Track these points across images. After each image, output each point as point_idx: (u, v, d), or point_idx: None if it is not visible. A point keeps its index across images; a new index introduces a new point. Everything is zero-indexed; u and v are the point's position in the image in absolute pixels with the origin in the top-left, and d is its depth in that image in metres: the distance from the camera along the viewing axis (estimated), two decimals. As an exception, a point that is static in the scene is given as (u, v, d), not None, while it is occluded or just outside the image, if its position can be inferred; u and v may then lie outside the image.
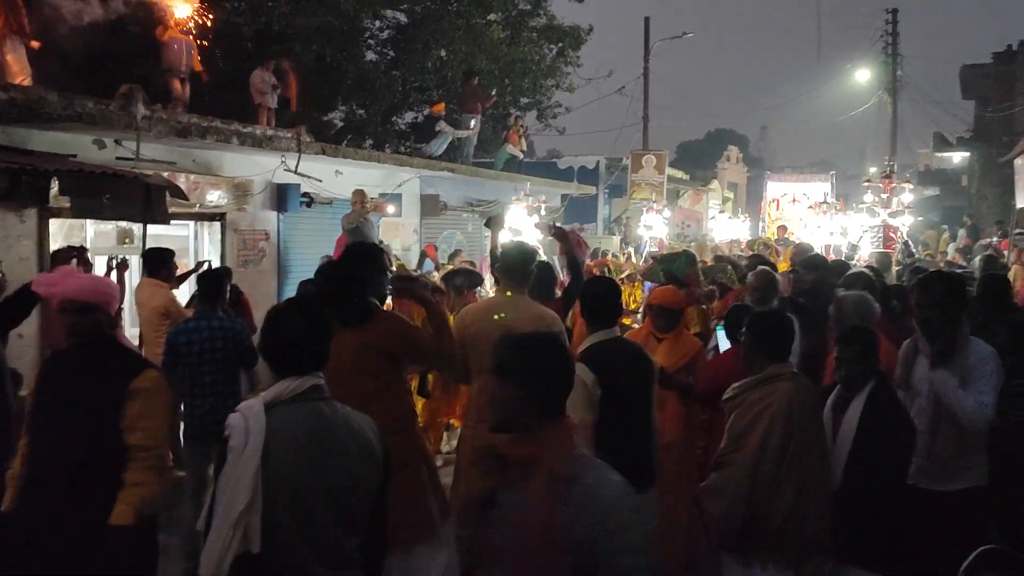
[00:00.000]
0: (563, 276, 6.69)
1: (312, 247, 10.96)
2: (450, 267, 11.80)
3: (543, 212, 12.62)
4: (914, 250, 12.03)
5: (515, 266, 4.42)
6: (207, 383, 5.14)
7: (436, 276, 11.05)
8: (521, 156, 16.14)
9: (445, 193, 13.82)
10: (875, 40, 24.68)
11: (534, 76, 21.15)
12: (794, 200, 20.63)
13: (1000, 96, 25.83)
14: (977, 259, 11.44)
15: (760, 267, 5.87)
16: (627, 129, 21.15)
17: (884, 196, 11.52)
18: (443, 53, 19.56)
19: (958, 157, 26.34)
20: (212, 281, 5.58)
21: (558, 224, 7.47)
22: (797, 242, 13.41)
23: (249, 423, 2.43)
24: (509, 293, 4.40)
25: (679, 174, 24.76)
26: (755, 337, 3.88)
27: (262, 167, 10.03)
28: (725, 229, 20.56)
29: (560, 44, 21.02)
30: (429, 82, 19.02)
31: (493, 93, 16.95)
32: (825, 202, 15.94)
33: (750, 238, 17.58)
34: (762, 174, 41.51)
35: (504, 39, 19.69)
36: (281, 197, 10.40)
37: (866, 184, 12.77)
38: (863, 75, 25.79)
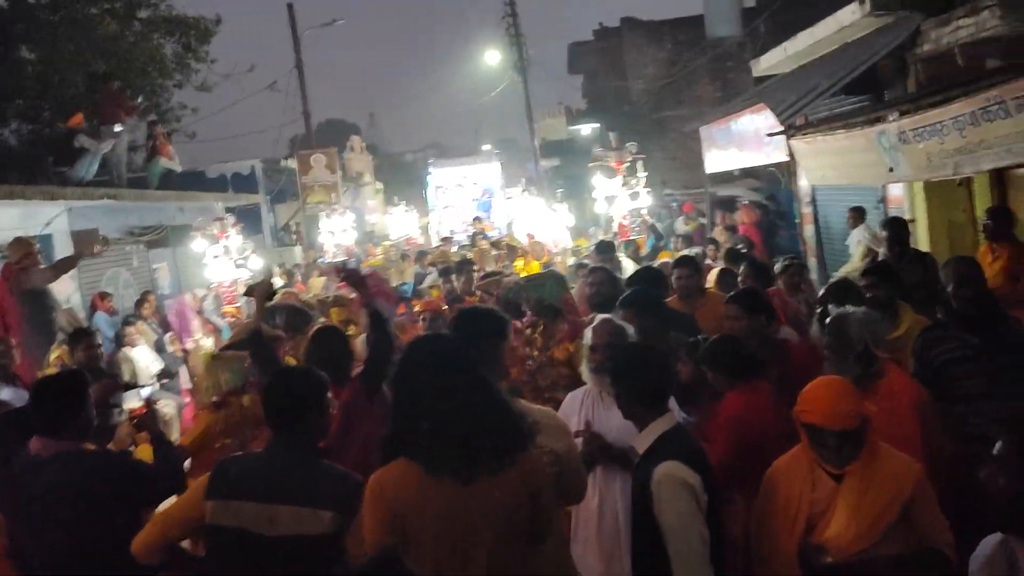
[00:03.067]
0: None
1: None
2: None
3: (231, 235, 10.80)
4: (662, 233, 12.12)
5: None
6: None
7: (140, 331, 8.81)
8: (179, 169, 13.76)
9: (102, 225, 11.18)
10: (499, 22, 25.44)
11: (152, 76, 18.39)
12: (459, 186, 20.49)
13: (605, 70, 28.16)
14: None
15: (601, 318, 4.00)
16: (275, 129, 19.22)
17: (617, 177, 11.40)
18: (31, 55, 16.02)
19: (587, 129, 28.37)
20: None
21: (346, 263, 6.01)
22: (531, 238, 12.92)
23: None
24: None
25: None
26: None
27: None
28: (400, 224, 19.81)
29: (183, 38, 18.45)
30: (30, 91, 15.49)
31: (140, 99, 14.19)
32: (526, 189, 15.84)
33: (457, 234, 16.80)
34: (383, 162, 41.33)
35: (115, 33, 16.73)
36: None
37: (593, 166, 12.43)
38: (493, 57, 26.59)
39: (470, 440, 2.34)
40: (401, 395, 2.55)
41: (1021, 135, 4.79)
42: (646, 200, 12.03)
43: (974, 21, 6.98)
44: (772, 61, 11.30)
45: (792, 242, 13.45)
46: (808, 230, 11.58)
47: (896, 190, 8.89)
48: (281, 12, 19.41)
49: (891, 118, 5.96)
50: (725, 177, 16.19)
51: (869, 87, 8.89)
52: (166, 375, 8.80)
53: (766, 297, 4.63)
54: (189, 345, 9.16)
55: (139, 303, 9.84)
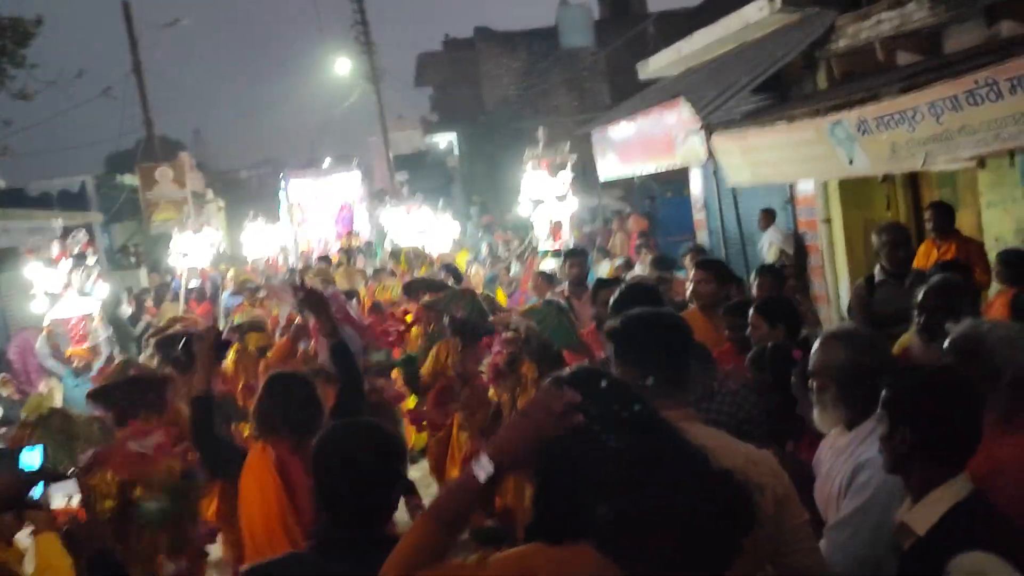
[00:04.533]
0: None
1: None
2: None
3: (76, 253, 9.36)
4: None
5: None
6: None
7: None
8: (2, 184, 11.93)
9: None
10: (348, 29, 24.35)
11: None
12: (317, 199, 19.30)
13: (456, 81, 27.68)
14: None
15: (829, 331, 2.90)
16: (111, 141, 17.29)
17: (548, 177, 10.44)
18: None
19: (444, 141, 27.74)
20: None
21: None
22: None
23: None
24: None
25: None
26: None
27: None
28: (258, 243, 18.28)
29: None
30: None
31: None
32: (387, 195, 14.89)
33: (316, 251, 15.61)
34: (215, 180, 38.91)
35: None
36: None
37: (529, 170, 11.29)
38: (343, 66, 25.39)
39: (678, 530, 1.51)
40: (551, 468, 1.60)
41: (1012, 119, 4.53)
42: (574, 204, 11.30)
43: (898, 13, 6.87)
44: (662, 62, 11.06)
45: (672, 249, 13.34)
46: (701, 235, 11.40)
47: (807, 189, 8.77)
48: (114, 13, 17.48)
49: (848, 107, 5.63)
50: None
51: (773, 85, 8.74)
52: (4, 423, 7.39)
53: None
54: (42, 388, 7.64)
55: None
